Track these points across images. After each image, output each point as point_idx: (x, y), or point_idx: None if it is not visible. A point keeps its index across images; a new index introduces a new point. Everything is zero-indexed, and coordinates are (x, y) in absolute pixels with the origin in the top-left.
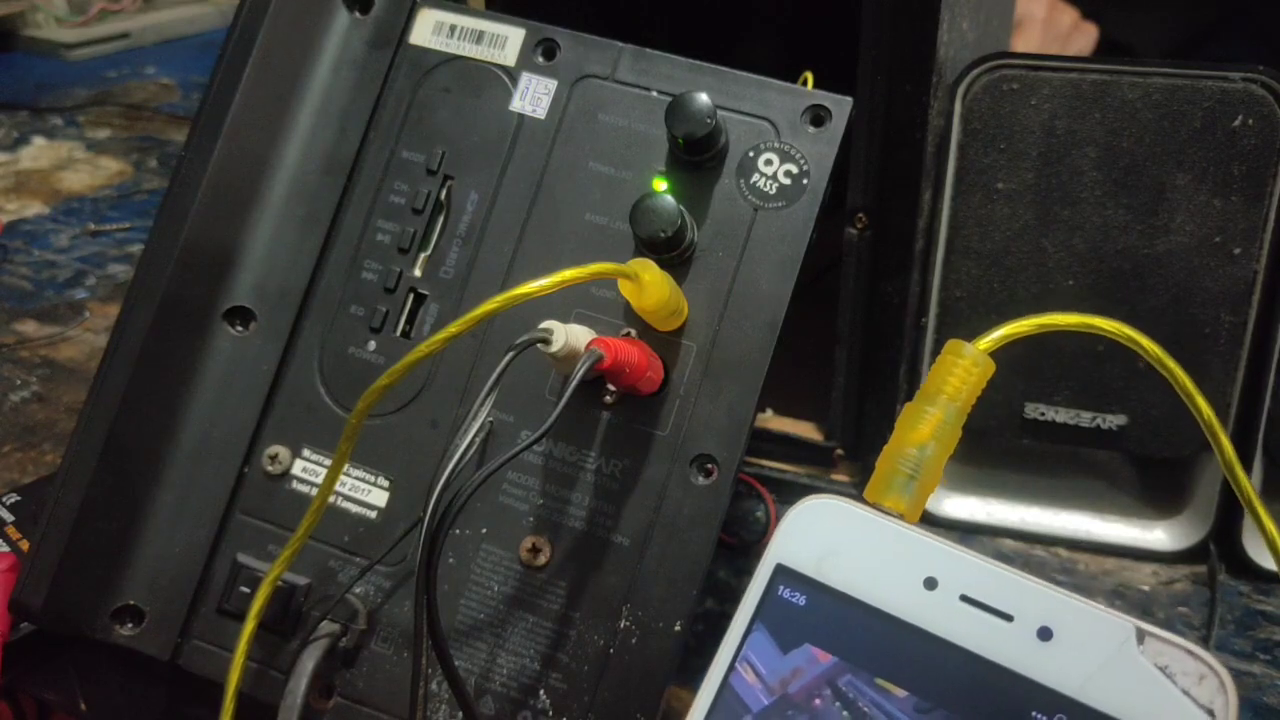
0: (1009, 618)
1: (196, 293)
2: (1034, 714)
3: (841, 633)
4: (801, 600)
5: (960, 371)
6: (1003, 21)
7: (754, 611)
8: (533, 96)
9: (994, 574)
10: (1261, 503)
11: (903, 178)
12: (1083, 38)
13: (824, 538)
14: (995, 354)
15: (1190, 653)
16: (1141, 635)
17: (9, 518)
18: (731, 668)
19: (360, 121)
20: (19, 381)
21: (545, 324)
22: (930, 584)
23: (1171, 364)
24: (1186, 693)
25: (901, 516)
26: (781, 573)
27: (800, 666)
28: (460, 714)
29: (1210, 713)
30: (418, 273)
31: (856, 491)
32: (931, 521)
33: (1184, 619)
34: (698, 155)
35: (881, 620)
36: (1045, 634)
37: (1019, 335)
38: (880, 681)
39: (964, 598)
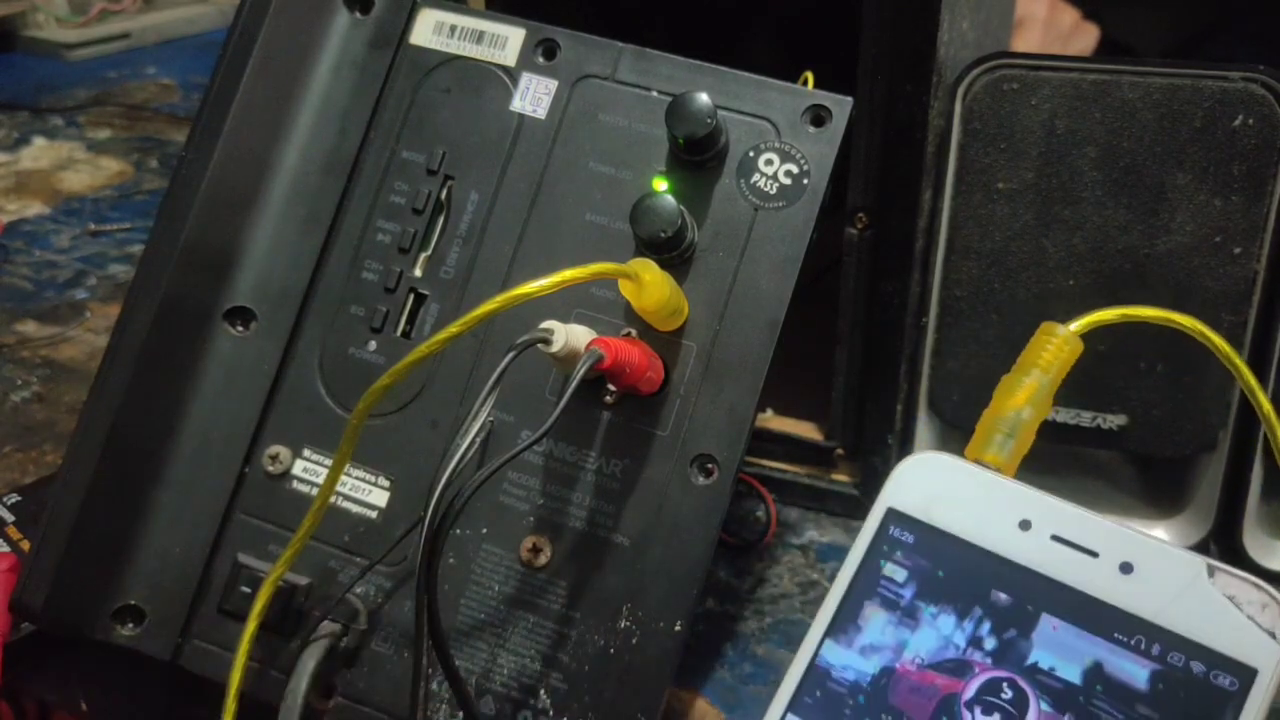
0: (1094, 554)
1: (197, 293)
2: (1116, 634)
3: (946, 566)
4: (910, 539)
5: (1053, 347)
6: (1003, 21)
7: (866, 549)
8: (533, 96)
9: (1082, 516)
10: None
11: (903, 178)
12: (1083, 37)
13: (931, 486)
14: (996, 353)
15: (1255, 585)
16: (1212, 570)
17: (10, 518)
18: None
19: (361, 121)
20: (19, 381)
21: (545, 324)
22: (1025, 525)
23: (1240, 364)
24: (1252, 618)
25: (999, 470)
26: (893, 515)
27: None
28: (461, 714)
29: (1272, 634)
30: (418, 273)
31: (858, 493)
32: None
33: None
34: (698, 155)
35: (981, 555)
36: (1127, 568)
37: (1105, 323)
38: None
39: (1054, 537)
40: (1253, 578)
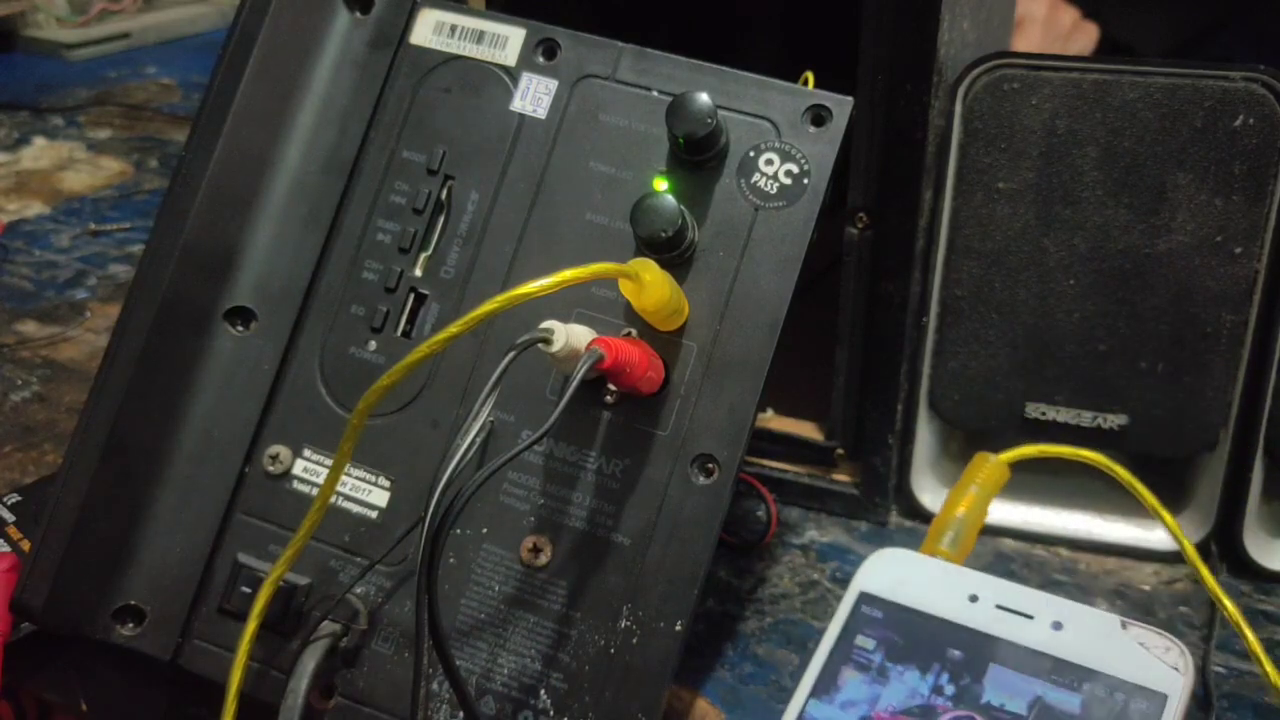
0: (1030, 617)
1: (197, 293)
2: (1052, 676)
3: (909, 633)
4: (879, 614)
5: (985, 472)
6: (1003, 21)
7: (842, 627)
8: (533, 96)
9: (1019, 590)
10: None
11: (903, 177)
12: (1083, 37)
13: (895, 574)
14: (997, 353)
15: (1159, 634)
16: (1125, 624)
17: (10, 518)
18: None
19: (361, 121)
20: (20, 381)
21: (546, 324)
22: (973, 599)
23: (1143, 492)
24: (1159, 658)
25: (951, 559)
26: (864, 597)
27: None
28: (461, 714)
29: (1176, 669)
30: (418, 272)
31: (859, 493)
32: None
33: (1185, 619)
34: (698, 155)
35: (939, 623)
36: (1057, 626)
37: (1027, 457)
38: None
39: (998, 606)
40: (1158, 629)
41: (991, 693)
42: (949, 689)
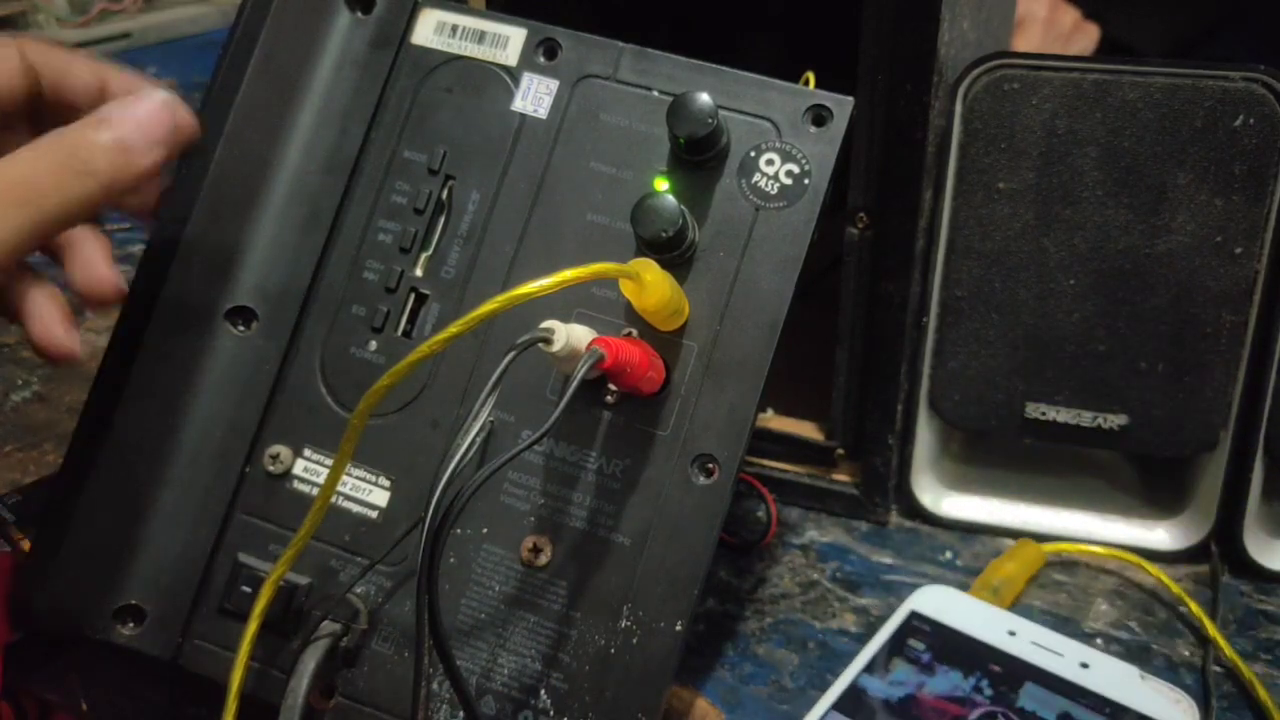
0: (1061, 655)
1: (198, 292)
2: (1079, 699)
3: (954, 646)
4: (928, 628)
5: (1028, 551)
6: (1004, 21)
7: (895, 630)
8: (534, 96)
9: (1052, 634)
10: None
11: (903, 177)
12: (1084, 37)
13: (944, 603)
14: (997, 353)
15: (1171, 688)
16: (1144, 677)
17: (10, 517)
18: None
19: (362, 121)
20: (20, 381)
21: (546, 324)
22: (1012, 633)
23: None
24: (1171, 705)
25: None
26: (914, 615)
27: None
28: (461, 714)
29: (1185, 716)
30: (419, 272)
31: (859, 492)
32: (932, 521)
33: (1185, 619)
34: (699, 155)
35: (981, 645)
36: (1085, 665)
37: (1066, 552)
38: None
39: (1033, 643)
40: (1169, 685)
41: (1025, 700)
42: (988, 691)
